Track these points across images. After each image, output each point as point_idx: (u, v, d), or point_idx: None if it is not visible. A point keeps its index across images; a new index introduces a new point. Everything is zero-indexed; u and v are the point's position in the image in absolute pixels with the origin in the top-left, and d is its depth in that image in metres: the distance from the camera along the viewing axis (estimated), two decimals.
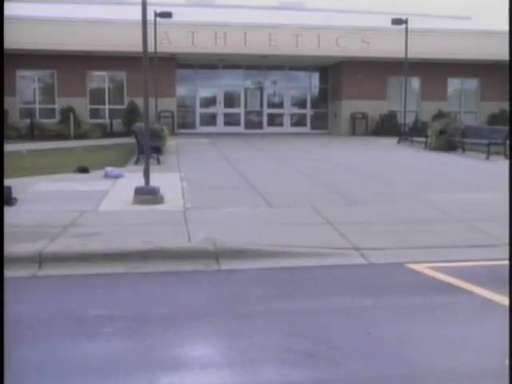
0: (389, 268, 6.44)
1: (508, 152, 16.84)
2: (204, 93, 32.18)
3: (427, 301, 5.32)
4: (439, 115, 27.54)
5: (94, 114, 29.24)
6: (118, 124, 28.20)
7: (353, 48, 28.12)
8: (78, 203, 9.73)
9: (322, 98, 33.18)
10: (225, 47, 27.54)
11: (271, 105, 32.71)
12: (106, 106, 29.62)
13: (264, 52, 27.92)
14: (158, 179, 10.90)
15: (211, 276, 6.21)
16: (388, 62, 28.75)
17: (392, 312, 5.07)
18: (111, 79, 29.88)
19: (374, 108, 29.98)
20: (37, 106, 28.93)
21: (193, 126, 31.62)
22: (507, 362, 3.28)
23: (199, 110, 31.95)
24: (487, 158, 17.51)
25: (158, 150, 16.08)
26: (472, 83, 32.02)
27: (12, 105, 26.89)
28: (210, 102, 32.08)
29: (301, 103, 32.94)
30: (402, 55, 24.69)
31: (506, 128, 19.22)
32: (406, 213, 9.13)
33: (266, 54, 28.31)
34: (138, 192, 9.86)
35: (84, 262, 6.44)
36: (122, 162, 16.01)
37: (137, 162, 15.64)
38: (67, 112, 27.35)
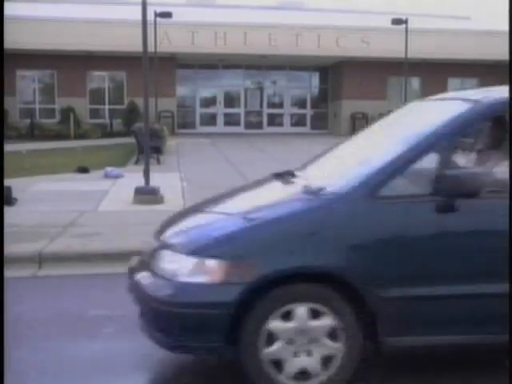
0: None
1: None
2: (204, 93, 32.18)
3: None
4: None
5: (94, 113, 29.24)
6: (118, 124, 28.18)
7: (353, 48, 28.11)
8: (78, 203, 9.73)
9: (322, 98, 33.18)
10: (225, 47, 27.54)
11: (271, 105, 32.70)
12: (106, 106, 29.62)
13: (264, 52, 27.92)
14: (157, 179, 10.90)
15: None
16: (388, 62, 28.73)
17: None
18: (111, 79, 29.89)
19: (374, 108, 29.91)
20: (37, 106, 28.93)
21: (193, 126, 31.61)
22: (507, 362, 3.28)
23: (199, 110, 31.94)
24: None
25: (157, 150, 16.09)
26: (472, 83, 31.97)
27: (12, 105, 26.87)
28: (210, 101, 32.08)
29: (301, 103, 32.93)
30: (402, 55, 24.65)
31: None
32: None
33: (266, 54, 28.30)
34: (137, 192, 9.86)
35: (84, 262, 6.44)
36: (122, 162, 16.01)
37: (137, 162, 15.65)
38: (67, 112, 27.35)
